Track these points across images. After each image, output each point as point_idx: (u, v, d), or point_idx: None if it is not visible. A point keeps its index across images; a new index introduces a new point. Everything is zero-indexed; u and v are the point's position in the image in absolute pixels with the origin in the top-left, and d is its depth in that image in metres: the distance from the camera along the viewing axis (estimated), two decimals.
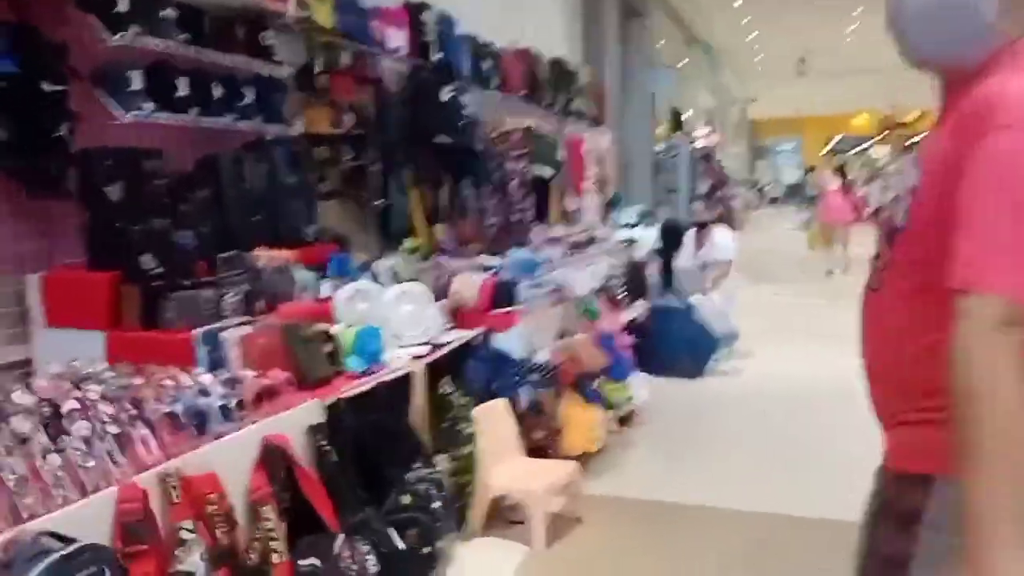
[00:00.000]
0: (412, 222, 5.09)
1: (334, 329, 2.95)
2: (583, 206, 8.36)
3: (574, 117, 8.18)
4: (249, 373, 2.39)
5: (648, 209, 9.00)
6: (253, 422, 2.27)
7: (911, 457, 1.28)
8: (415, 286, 3.36)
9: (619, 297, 4.97)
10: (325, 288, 3.42)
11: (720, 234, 6.53)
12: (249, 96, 3.66)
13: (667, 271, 5.85)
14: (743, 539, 3.40)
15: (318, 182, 4.26)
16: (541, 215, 6.86)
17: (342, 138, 4.52)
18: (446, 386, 3.24)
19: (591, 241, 6.86)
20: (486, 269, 4.61)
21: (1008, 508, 1.03)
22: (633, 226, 8.26)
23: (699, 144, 12.28)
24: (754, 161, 32.22)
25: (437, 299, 3.66)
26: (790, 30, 17.13)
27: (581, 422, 3.80)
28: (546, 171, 6.81)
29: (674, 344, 5.68)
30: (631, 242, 7.05)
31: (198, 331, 2.62)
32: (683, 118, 15.10)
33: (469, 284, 3.77)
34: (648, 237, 7.35)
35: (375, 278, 3.60)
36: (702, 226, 6.58)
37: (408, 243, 4.21)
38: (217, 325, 2.65)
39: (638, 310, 5.16)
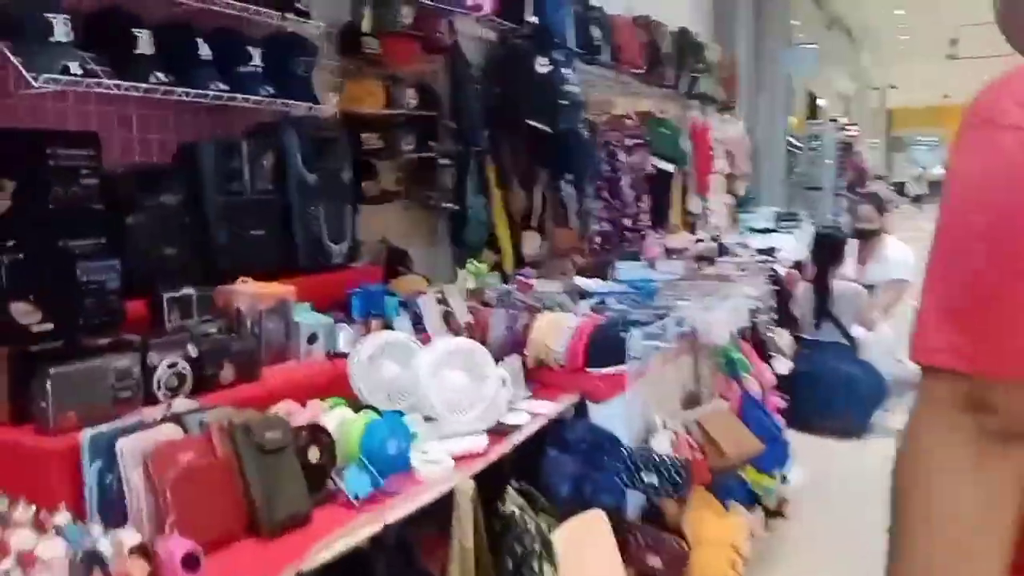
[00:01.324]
0: (493, 231, 3.98)
1: (329, 419, 1.85)
2: (709, 208, 7.06)
3: (700, 100, 6.86)
4: (128, 538, 1.31)
5: (789, 211, 7.58)
6: None
7: None
8: (467, 342, 2.21)
9: (770, 339, 3.69)
10: (344, 339, 2.33)
11: (893, 247, 5.11)
12: (256, 59, 2.60)
13: (821, 295, 4.54)
14: None
15: (363, 180, 3.19)
16: (658, 220, 5.63)
17: (400, 121, 3.43)
18: (511, 499, 2.09)
19: (721, 252, 5.58)
20: (583, 296, 3.45)
21: None
22: (768, 232, 6.90)
23: (844, 133, 10.62)
24: (889, 154, 29.62)
25: (508, 350, 2.52)
26: (942, 6, 15.08)
27: (718, 536, 2.59)
28: (668, 165, 5.57)
29: (830, 391, 4.37)
30: (770, 253, 5.72)
31: (87, 433, 1.55)
32: (819, 105, 13.45)
33: (555, 328, 2.60)
34: (790, 247, 5.99)
35: (417, 322, 2.48)
36: (866, 235, 5.18)
37: (472, 266, 3.05)
38: (116, 425, 1.57)
39: (787, 350, 3.85)
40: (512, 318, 2.66)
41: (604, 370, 2.53)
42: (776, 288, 4.61)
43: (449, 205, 3.72)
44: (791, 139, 10.57)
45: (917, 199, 25.18)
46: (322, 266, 2.67)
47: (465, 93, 3.83)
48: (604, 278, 4.12)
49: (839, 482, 3.80)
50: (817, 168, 9.10)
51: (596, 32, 4.87)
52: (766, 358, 3.45)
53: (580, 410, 2.56)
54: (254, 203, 2.46)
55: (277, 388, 2.07)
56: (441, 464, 1.94)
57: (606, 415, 2.54)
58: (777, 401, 3.32)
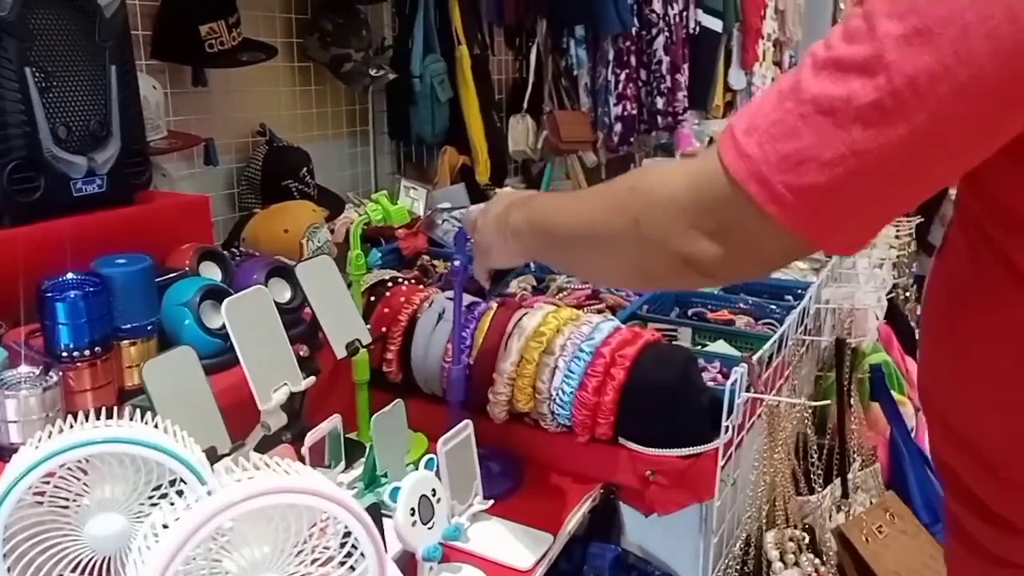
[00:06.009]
0: (460, 117, 2.48)
1: None
2: (754, 84, 5.48)
3: None
4: None
5: None
6: None
7: None
8: (305, 478, 0.76)
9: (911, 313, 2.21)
10: (17, 411, 0.90)
11: None
12: None
13: None
14: None
15: (205, 21, 1.68)
16: (697, 100, 4.09)
17: None
18: None
19: None
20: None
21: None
22: None
23: None
24: None
25: (456, 394, 1.11)
26: None
27: None
28: (715, 22, 3.98)
29: None
30: None
31: None
32: None
33: (554, 343, 1.19)
34: None
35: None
36: None
37: (377, 199, 1.47)
38: None
39: None
40: (462, 316, 1.22)
41: (665, 451, 1.12)
42: None
43: (383, 71, 2.21)
44: None
45: None
46: (43, 205, 1.19)
47: None
48: None
49: None
50: None
51: None
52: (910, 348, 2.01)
53: (604, 523, 1.18)
54: None
55: None
56: None
57: (663, 542, 1.16)
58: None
